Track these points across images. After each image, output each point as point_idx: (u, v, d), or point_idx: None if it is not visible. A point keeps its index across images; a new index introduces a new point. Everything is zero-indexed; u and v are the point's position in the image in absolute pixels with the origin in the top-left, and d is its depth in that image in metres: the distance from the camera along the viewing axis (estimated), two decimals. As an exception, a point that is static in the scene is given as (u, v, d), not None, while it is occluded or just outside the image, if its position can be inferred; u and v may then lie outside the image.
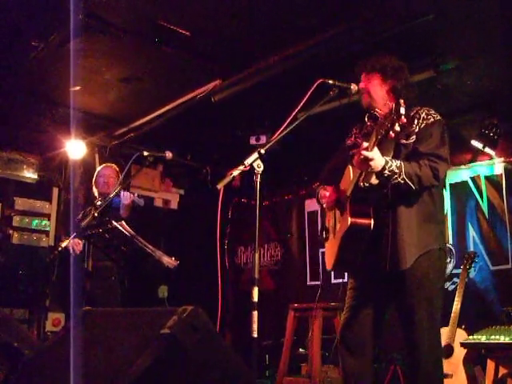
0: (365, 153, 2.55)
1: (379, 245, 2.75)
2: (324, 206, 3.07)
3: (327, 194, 3.03)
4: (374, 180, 2.72)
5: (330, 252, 3.02)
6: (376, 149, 2.57)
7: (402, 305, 2.78)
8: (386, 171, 2.61)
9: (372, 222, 2.72)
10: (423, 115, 2.80)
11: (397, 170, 2.62)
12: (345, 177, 2.95)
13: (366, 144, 2.58)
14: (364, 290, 2.91)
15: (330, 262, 3.00)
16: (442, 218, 2.97)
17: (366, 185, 2.72)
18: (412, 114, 2.80)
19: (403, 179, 2.63)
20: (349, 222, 2.72)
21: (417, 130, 2.78)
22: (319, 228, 3.23)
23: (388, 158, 2.64)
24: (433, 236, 2.79)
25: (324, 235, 3.10)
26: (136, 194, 4.65)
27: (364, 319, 2.86)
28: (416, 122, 2.76)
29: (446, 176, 2.79)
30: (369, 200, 2.76)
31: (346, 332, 2.90)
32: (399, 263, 2.70)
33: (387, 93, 2.90)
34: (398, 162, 2.65)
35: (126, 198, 4.49)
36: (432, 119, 2.80)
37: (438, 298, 2.77)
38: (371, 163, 2.57)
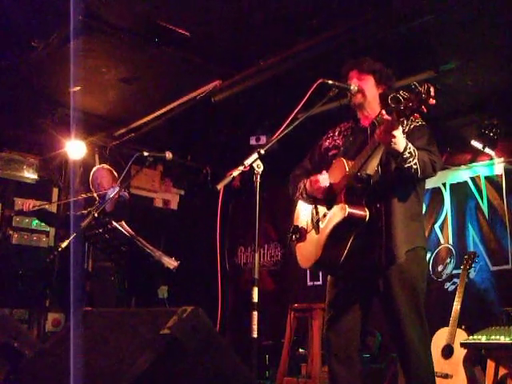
0: (390, 122, 2.53)
1: (371, 239, 2.75)
2: (322, 189, 2.91)
3: (318, 183, 2.91)
4: (372, 168, 2.74)
5: (308, 251, 2.96)
6: (400, 127, 2.58)
7: (389, 306, 2.79)
8: (407, 152, 2.61)
9: (367, 214, 2.70)
10: (411, 117, 2.82)
11: (413, 153, 2.64)
12: (333, 171, 2.92)
13: (387, 116, 2.57)
14: (347, 293, 2.90)
15: (308, 261, 2.94)
16: (424, 219, 3.03)
17: (364, 175, 2.73)
18: None
19: (416, 164, 2.64)
20: (346, 213, 2.68)
21: (406, 129, 2.82)
22: (291, 228, 3.14)
23: (406, 140, 2.65)
24: (418, 234, 2.85)
25: (297, 235, 3.04)
26: (123, 190, 4.66)
27: (349, 323, 2.87)
28: (405, 122, 2.79)
29: (435, 173, 2.80)
30: (362, 193, 2.75)
31: (331, 338, 2.89)
32: (395, 256, 2.72)
33: (378, 97, 2.96)
34: (412, 146, 2.67)
35: (113, 191, 4.50)
36: (420, 122, 2.88)
37: (423, 298, 2.81)
38: (396, 134, 2.55)
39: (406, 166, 2.63)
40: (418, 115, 2.54)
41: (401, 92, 2.71)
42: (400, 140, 2.59)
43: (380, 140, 2.63)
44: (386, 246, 2.73)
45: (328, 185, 2.90)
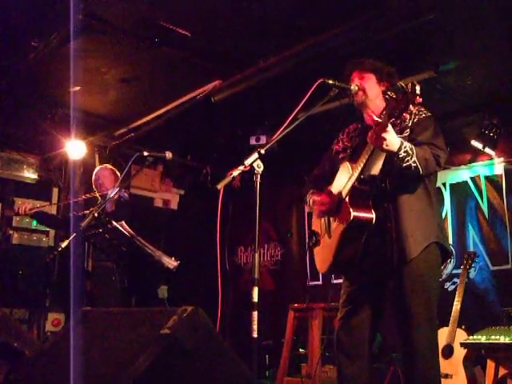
0: (380, 124, 2.53)
1: (382, 239, 2.75)
2: (319, 212, 3.00)
3: (318, 198, 3.00)
4: (376, 169, 2.74)
5: (323, 255, 2.99)
6: (390, 126, 2.57)
7: (399, 304, 2.78)
8: (402, 151, 2.60)
9: (374, 216, 2.71)
10: (414, 111, 2.84)
11: (410, 152, 2.62)
12: (339, 176, 2.95)
13: (377, 118, 2.58)
14: (361, 293, 2.90)
15: (324, 265, 2.97)
16: (437, 213, 3.00)
17: (368, 177, 2.74)
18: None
19: (414, 162, 2.63)
20: (351, 216, 2.69)
21: (410, 124, 2.81)
22: (307, 234, 3.19)
23: (401, 139, 2.64)
24: (430, 229, 2.81)
25: (313, 240, 3.06)
26: (123, 190, 4.64)
27: (361, 323, 2.87)
28: (409, 117, 2.79)
29: (440, 167, 2.79)
30: (368, 195, 2.75)
31: (343, 337, 2.90)
32: (406, 254, 2.70)
33: (381, 94, 2.95)
34: (410, 144, 2.66)
35: (113, 192, 4.48)
36: (424, 115, 2.86)
37: (435, 297, 2.79)
38: (386, 136, 2.55)
39: (403, 165, 2.63)
40: (406, 115, 2.55)
41: (388, 93, 2.72)
42: (392, 141, 2.58)
43: (372, 143, 2.64)
44: (396, 245, 2.72)
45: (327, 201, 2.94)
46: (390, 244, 2.73)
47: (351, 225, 2.71)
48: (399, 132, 2.73)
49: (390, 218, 2.74)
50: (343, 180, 2.87)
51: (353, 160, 2.87)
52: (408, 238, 2.72)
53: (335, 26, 4.11)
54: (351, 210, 2.70)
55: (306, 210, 3.24)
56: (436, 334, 2.83)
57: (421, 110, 2.86)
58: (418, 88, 2.45)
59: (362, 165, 2.73)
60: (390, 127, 2.57)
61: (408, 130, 2.80)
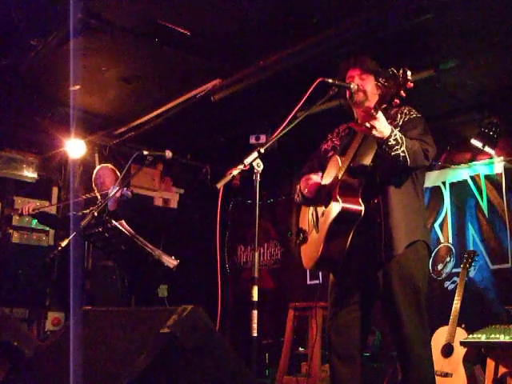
0: (371, 109, 2.54)
1: (370, 233, 2.75)
2: (306, 193, 2.97)
3: (310, 181, 2.97)
4: (367, 161, 2.75)
5: (310, 251, 2.97)
6: (381, 113, 2.57)
7: (389, 304, 2.78)
8: (392, 139, 2.60)
9: (363, 208, 2.70)
10: (405, 111, 2.88)
11: (400, 140, 2.63)
12: (328, 171, 2.94)
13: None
14: (349, 293, 2.90)
15: (310, 261, 2.95)
16: (424, 212, 3.02)
17: (358, 166, 2.74)
18: (394, 111, 2.89)
19: (403, 151, 2.63)
20: (340, 207, 2.68)
21: (400, 122, 2.84)
22: (295, 231, 3.17)
23: (392, 127, 2.65)
24: (418, 227, 2.83)
25: (301, 238, 3.05)
26: (125, 188, 4.63)
27: (351, 323, 2.87)
28: (399, 116, 2.83)
29: (428, 162, 2.80)
30: (357, 187, 2.75)
31: (333, 338, 2.90)
32: (393, 248, 2.72)
33: (376, 94, 2.95)
34: (400, 133, 2.66)
35: (113, 190, 4.47)
36: (414, 115, 2.89)
37: (424, 296, 2.80)
38: (376, 124, 2.56)
39: (392, 153, 2.62)
40: (397, 100, 2.55)
41: (380, 79, 2.73)
42: (382, 128, 2.59)
43: (360, 129, 2.65)
44: (384, 240, 2.73)
45: (319, 181, 2.93)
46: (378, 239, 2.74)
47: (340, 216, 2.70)
48: None
49: (379, 213, 2.75)
50: (332, 173, 2.87)
51: (343, 154, 2.87)
52: (396, 233, 2.72)
53: (335, 25, 4.10)
54: (340, 200, 2.70)
55: (295, 200, 3.19)
56: (427, 331, 2.84)
57: (412, 111, 2.89)
58: (409, 73, 2.46)
59: (351, 154, 2.74)
60: (380, 114, 2.57)
61: (398, 129, 2.80)
